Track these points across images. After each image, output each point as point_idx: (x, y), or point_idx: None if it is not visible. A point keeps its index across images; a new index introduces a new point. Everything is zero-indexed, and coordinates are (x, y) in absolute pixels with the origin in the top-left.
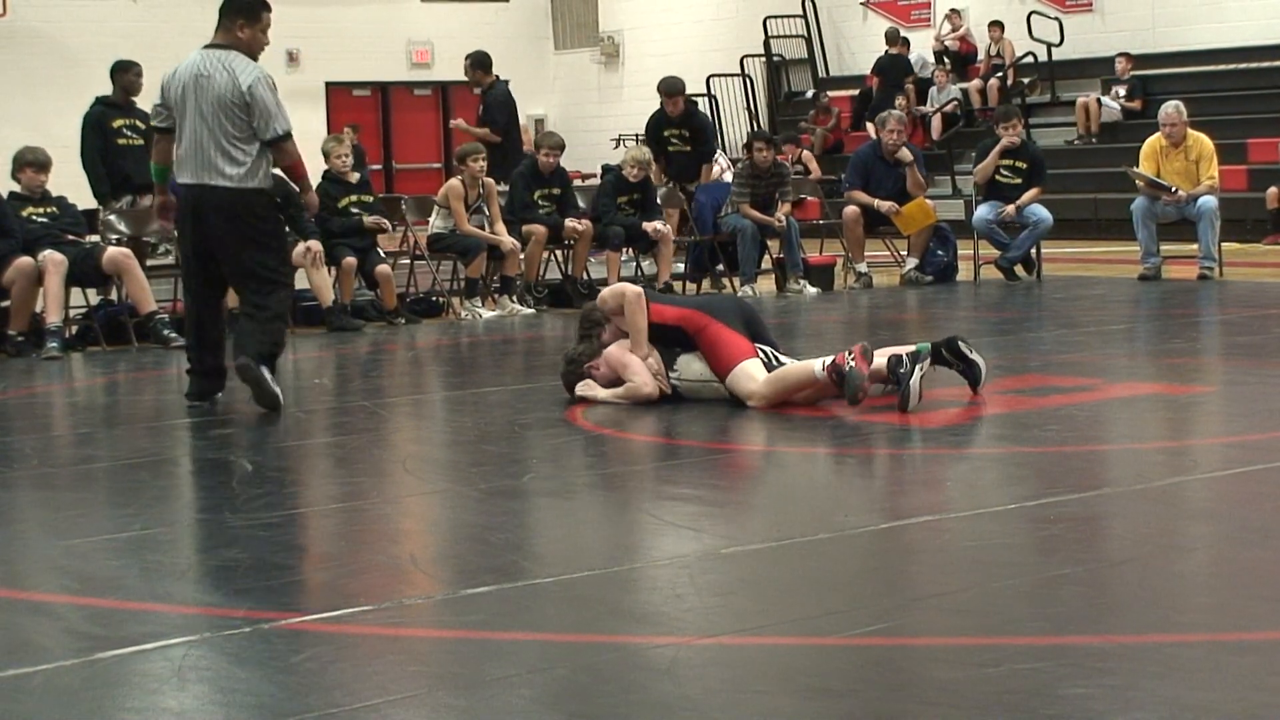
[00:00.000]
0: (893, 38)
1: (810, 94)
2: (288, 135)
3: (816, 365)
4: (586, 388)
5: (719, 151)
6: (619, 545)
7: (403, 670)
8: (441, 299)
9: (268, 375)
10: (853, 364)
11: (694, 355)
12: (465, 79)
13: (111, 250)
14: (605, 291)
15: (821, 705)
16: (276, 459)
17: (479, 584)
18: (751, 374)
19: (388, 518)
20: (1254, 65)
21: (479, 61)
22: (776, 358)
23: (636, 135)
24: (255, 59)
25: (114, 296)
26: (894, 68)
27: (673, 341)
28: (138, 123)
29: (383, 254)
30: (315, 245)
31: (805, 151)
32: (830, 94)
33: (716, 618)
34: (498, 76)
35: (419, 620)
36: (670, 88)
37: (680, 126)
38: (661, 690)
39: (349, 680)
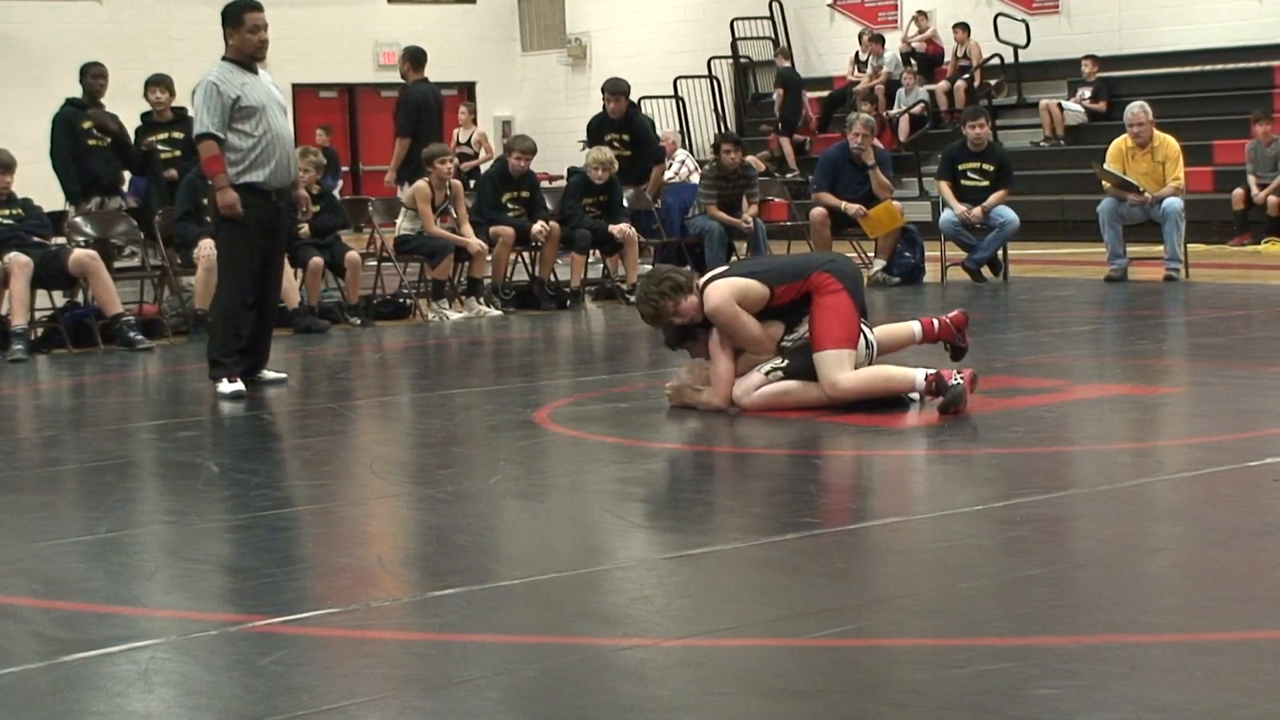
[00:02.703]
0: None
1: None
2: (202, 136)
3: (919, 376)
4: (677, 395)
5: (686, 153)
6: (586, 547)
7: (370, 672)
8: (409, 301)
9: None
10: (959, 381)
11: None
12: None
13: (78, 252)
14: (717, 303)
15: (789, 706)
16: (243, 461)
17: (446, 586)
18: (845, 365)
19: (355, 520)
20: (1219, 67)
21: (411, 55)
22: (868, 338)
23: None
24: (255, 58)
25: (80, 299)
26: (794, 77)
27: (794, 311)
28: (106, 124)
29: (350, 245)
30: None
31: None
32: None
33: (684, 619)
34: (426, 78)
35: (386, 622)
36: (613, 86)
37: (622, 130)
38: (629, 692)
39: (316, 682)
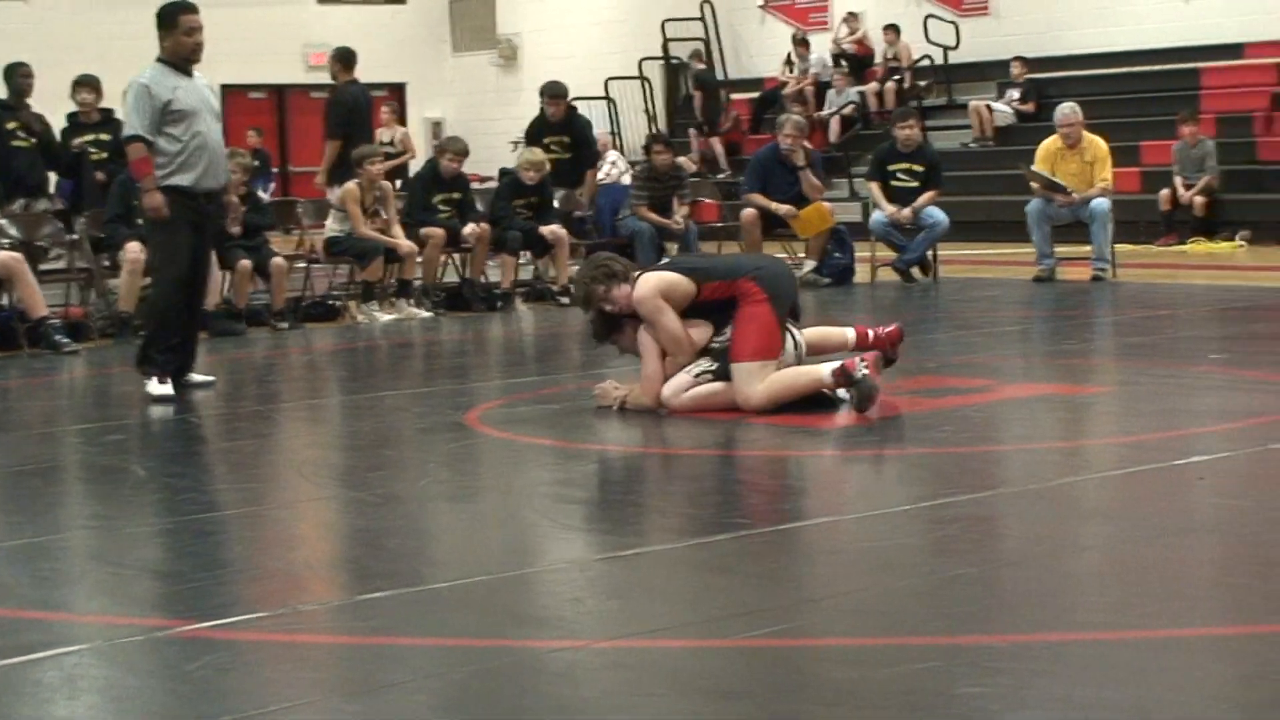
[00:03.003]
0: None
1: None
2: (130, 138)
3: (825, 372)
4: (604, 395)
5: (617, 154)
6: (516, 549)
7: (298, 677)
8: (338, 303)
9: None
10: (865, 371)
11: None
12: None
13: (1, 255)
14: (642, 294)
15: (719, 707)
16: (170, 465)
17: (375, 589)
18: (758, 379)
19: (283, 524)
20: (1147, 69)
21: (341, 57)
22: (795, 339)
23: None
24: (190, 61)
25: (4, 301)
26: (710, 79)
27: (722, 309)
28: (31, 124)
29: (277, 250)
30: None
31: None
32: (730, 96)
33: (614, 621)
34: (356, 79)
35: (315, 626)
36: (553, 90)
37: (561, 132)
38: (559, 694)
39: (244, 687)
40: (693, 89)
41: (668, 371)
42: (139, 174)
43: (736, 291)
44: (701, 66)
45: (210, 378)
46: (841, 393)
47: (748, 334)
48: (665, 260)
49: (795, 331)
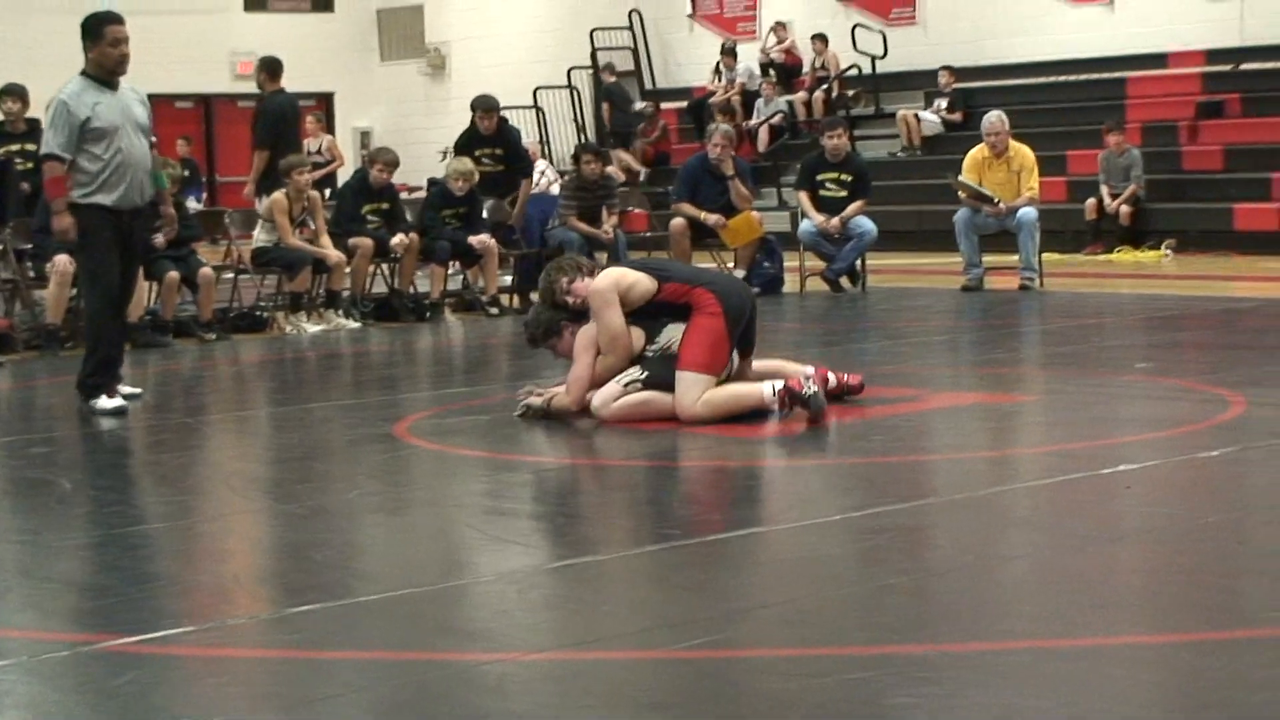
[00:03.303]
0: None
1: (638, 106)
2: (46, 156)
3: (766, 391)
4: (528, 396)
5: (546, 164)
6: (446, 561)
7: (226, 691)
8: (266, 313)
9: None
10: (814, 388)
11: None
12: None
13: None
14: (599, 285)
15: (652, 719)
16: (96, 478)
17: (304, 602)
18: (698, 390)
19: (211, 536)
20: (1073, 78)
21: (267, 66)
22: (733, 359)
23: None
24: (115, 73)
25: None
26: (619, 90)
27: (674, 313)
28: None
29: (204, 260)
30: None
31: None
32: (659, 105)
33: (544, 633)
34: (283, 88)
35: (243, 640)
36: (485, 104)
37: (493, 145)
38: (490, 707)
39: (171, 703)
40: (601, 99)
41: (598, 377)
42: (51, 194)
43: (693, 299)
44: (612, 79)
45: (136, 390)
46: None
47: (698, 344)
48: (629, 261)
49: (735, 354)
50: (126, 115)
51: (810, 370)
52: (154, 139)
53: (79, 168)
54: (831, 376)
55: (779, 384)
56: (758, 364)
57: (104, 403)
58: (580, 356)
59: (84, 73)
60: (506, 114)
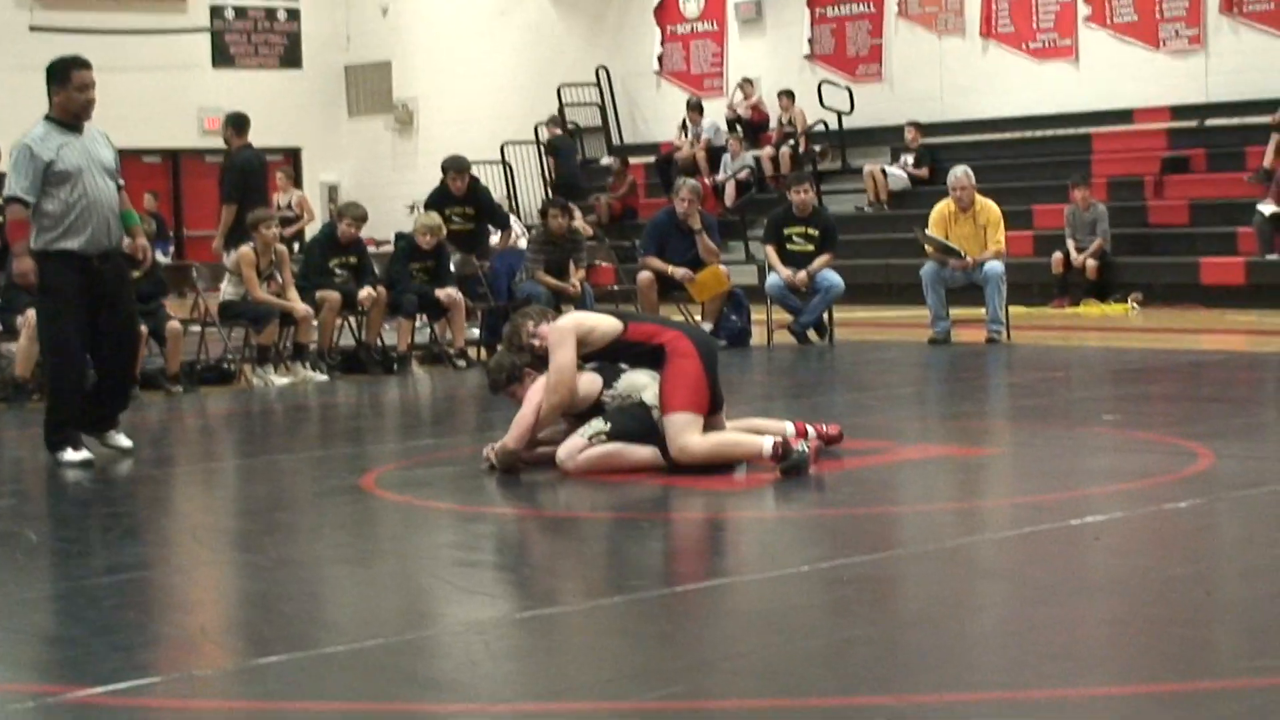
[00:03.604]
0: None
1: (605, 161)
2: (9, 199)
3: (766, 446)
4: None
5: (513, 218)
6: (413, 612)
7: None
8: (233, 366)
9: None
10: (805, 449)
11: (645, 372)
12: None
13: None
14: (558, 323)
15: None
16: (63, 529)
17: (270, 653)
18: (693, 430)
19: (177, 588)
20: (1038, 134)
21: (234, 122)
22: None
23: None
24: (80, 118)
25: None
26: (565, 145)
27: (639, 359)
28: None
29: (171, 314)
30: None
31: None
32: (627, 160)
33: (512, 684)
34: (250, 144)
35: (210, 692)
36: (457, 165)
37: (463, 204)
38: None
39: None
40: (546, 154)
41: (541, 422)
42: (12, 237)
43: (665, 341)
44: (558, 132)
45: (128, 444)
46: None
47: (680, 387)
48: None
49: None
50: (91, 158)
51: (790, 428)
52: (121, 182)
53: (43, 211)
54: (810, 429)
55: (779, 439)
56: (734, 423)
57: (69, 455)
58: (530, 399)
59: (48, 117)
60: (474, 169)
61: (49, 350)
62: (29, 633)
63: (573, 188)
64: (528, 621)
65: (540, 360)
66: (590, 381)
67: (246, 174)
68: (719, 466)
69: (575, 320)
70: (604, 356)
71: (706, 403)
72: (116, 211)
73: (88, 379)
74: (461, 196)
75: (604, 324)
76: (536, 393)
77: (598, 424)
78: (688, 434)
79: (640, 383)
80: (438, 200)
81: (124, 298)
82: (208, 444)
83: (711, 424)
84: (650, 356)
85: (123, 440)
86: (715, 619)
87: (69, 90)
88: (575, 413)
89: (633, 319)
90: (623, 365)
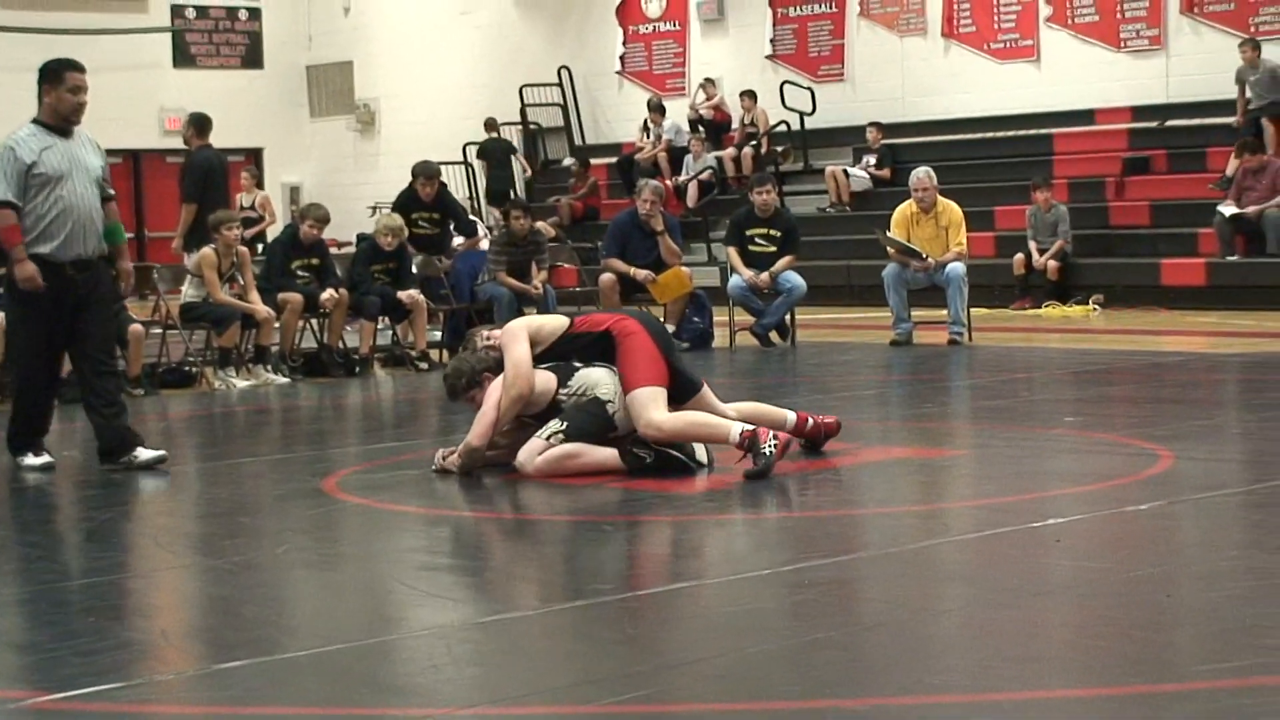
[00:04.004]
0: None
1: (567, 162)
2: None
3: (734, 431)
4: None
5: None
6: (375, 616)
7: None
8: (194, 369)
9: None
10: (772, 449)
11: (600, 367)
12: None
13: None
14: (510, 325)
15: None
16: (24, 534)
17: (232, 658)
18: (657, 403)
19: (139, 592)
20: (1000, 134)
21: (196, 122)
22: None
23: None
24: (70, 120)
25: None
26: (497, 148)
27: (589, 350)
28: None
29: (133, 316)
30: None
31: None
32: (589, 161)
33: (474, 688)
34: (210, 144)
35: (172, 696)
36: (428, 171)
37: (430, 210)
38: None
39: None
40: (476, 156)
41: (501, 419)
42: (10, 242)
43: (612, 326)
44: (493, 134)
45: (160, 452)
46: (700, 453)
47: (635, 362)
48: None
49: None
50: (76, 163)
51: (792, 417)
52: (111, 191)
53: (20, 214)
54: (811, 420)
55: (747, 428)
56: (737, 406)
57: (29, 460)
58: (490, 396)
59: (36, 119)
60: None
61: (14, 355)
62: None
63: (503, 195)
64: (490, 625)
65: (497, 365)
66: (545, 380)
67: (206, 173)
68: (680, 470)
69: (524, 320)
70: (555, 354)
71: (665, 376)
72: (98, 220)
73: (55, 387)
74: (430, 202)
75: (552, 321)
76: (496, 389)
77: (554, 424)
78: (653, 408)
79: (594, 378)
80: (405, 204)
81: (95, 307)
82: (169, 447)
83: (699, 406)
84: (599, 345)
85: (149, 454)
86: (678, 623)
87: (61, 91)
88: (533, 413)
89: (578, 314)
90: (576, 364)
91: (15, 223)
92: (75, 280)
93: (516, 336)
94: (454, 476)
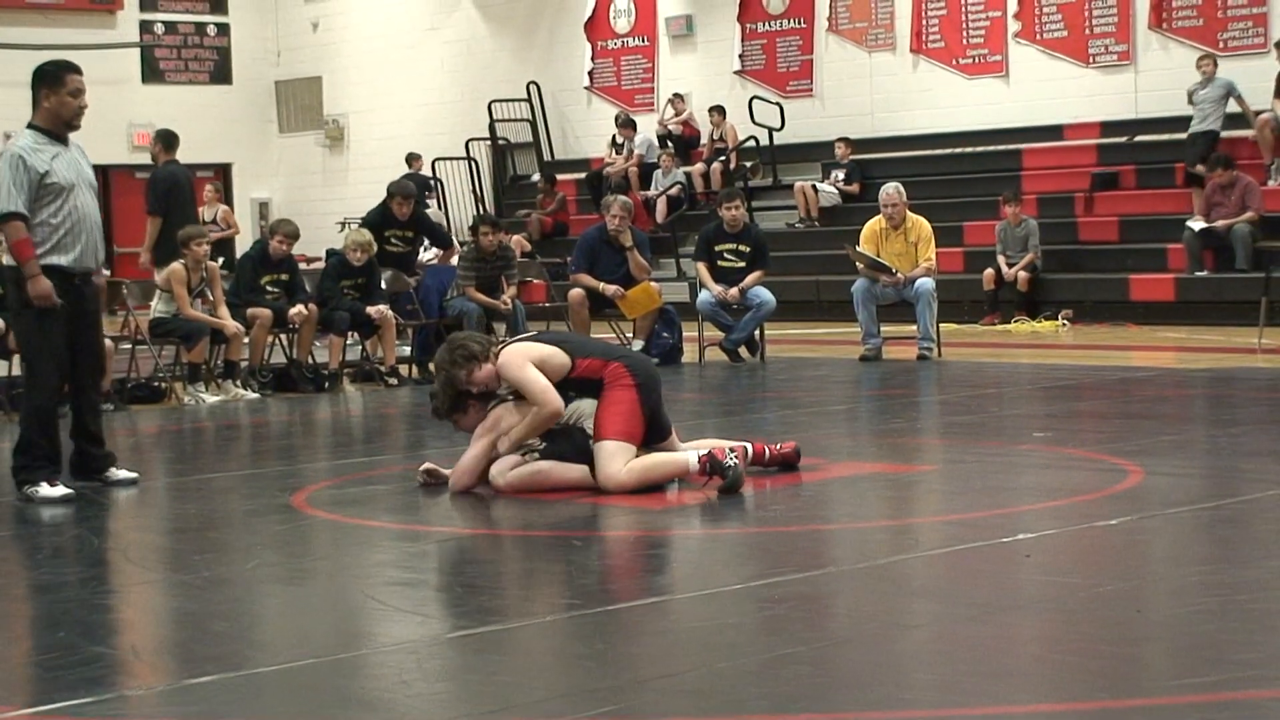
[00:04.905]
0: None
1: (535, 177)
2: (7, 216)
3: (692, 460)
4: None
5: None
6: (345, 631)
7: None
8: (164, 384)
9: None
10: (734, 461)
11: (591, 401)
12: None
13: None
14: (509, 362)
15: None
16: None
17: (201, 674)
18: (622, 458)
19: (108, 607)
20: (969, 150)
21: (163, 138)
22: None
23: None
24: (71, 126)
25: None
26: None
27: (583, 389)
28: None
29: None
30: None
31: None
32: (557, 177)
33: (444, 703)
34: (176, 160)
35: (142, 711)
36: (403, 190)
37: (404, 228)
38: None
39: None
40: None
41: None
42: (23, 257)
43: (606, 373)
44: (415, 169)
45: (133, 474)
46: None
47: (614, 415)
48: (531, 334)
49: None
50: (79, 173)
51: (749, 451)
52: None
53: (31, 225)
54: (767, 450)
55: (703, 452)
56: (689, 445)
57: (46, 491)
58: (475, 442)
59: (33, 125)
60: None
61: (34, 376)
62: None
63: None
64: (460, 640)
65: (484, 398)
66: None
67: (171, 186)
68: (657, 485)
69: (521, 349)
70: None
71: (640, 432)
72: (100, 230)
73: (62, 403)
74: (404, 221)
75: (556, 356)
76: (483, 434)
77: (534, 442)
78: (614, 463)
79: (585, 410)
80: (378, 222)
81: (95, 321)
82: (139, 462)
83: (662, 449)
84: (595, 386)
85: (123, 474)
86: (648, 637)
87: (62, 95)
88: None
89: (582, 353)
90: (571, 392)
91: (26, 235)
92: (83, 291)
93: (523, 365)
94: (427, 491)
